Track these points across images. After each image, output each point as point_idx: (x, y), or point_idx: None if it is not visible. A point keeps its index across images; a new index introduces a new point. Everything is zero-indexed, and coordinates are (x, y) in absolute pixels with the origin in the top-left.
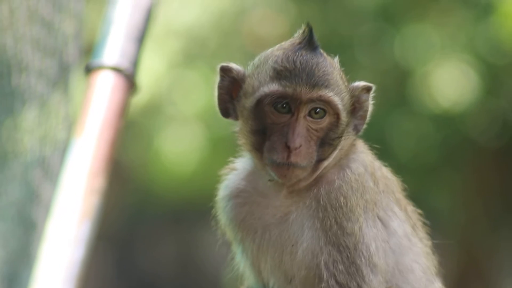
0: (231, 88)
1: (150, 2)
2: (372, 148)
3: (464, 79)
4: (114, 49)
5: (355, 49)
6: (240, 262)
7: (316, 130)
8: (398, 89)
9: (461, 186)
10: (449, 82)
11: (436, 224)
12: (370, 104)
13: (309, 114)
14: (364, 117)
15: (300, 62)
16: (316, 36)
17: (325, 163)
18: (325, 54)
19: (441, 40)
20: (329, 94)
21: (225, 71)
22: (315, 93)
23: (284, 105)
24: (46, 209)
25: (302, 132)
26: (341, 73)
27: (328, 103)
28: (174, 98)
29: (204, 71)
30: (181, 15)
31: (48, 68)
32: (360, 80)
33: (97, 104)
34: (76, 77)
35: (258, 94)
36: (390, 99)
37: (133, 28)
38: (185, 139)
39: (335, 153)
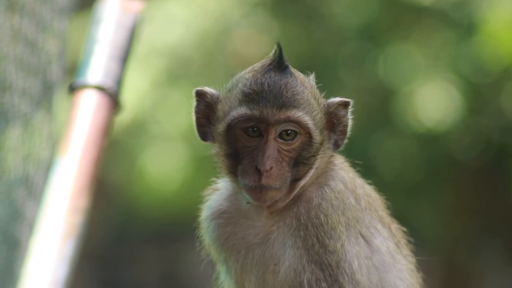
0: (207, 112)
1: (133, 22)
2: (354, 166)
3: (447, 98)
4: (98, 68)
5: (338, 69)
6: (225, 281)
7: (288, 151)
8: (382, 108)
9: (444, 204)
10: (433, 102)
11: (420, 242)
12: (349, 119)
13: (280, 136)
14: (344, 132)
15: (268, 84)
16: (285, 56)
17: (302, 182)
18: (296, 74)
19: (425, 60)
20: (297, 114)
21: (200, 95)
22: (282, 114)
23: (255, 129)
24: (30, 227)
25: (273, 154)
26: (314, 91)
27: (298, 123)
28: (158, 117)
29: (187, 90)
30: (164, 35)
31: (32, 87)
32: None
33: (81, 123)
34: (60, 96)
35: (228, 118)
36: (374, 118)
37: (117, 47)
38: (169, 158)
39: (311, 172)
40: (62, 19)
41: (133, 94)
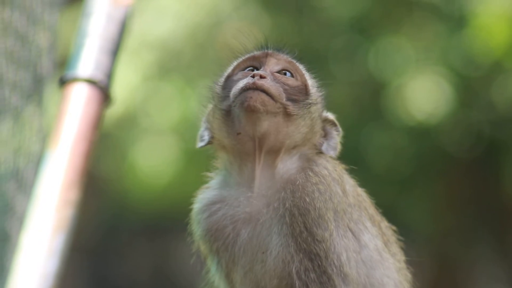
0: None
1: (124, 15)
2: (346, 163)
3: (438, 91)
4: (89, 61)
5: (329, 62)
6: (215, 275)
7: (283, 83)
8: (373, 101)
9: (435, 197)
10: (423, 95)
11: (410, 236)
12: (338, 142)
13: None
14: (335, 148)
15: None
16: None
17: (294, 122)
18: None
19: (415, 53)
20: (295, 61)
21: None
22: (281, 56)
23: (253, 70)
24: (20, 221)
25: (268, 71)
26: None
27: (294, 66)
28: (149, 110)
29: (178, 83)
30: (155, 28)
31: (22, 80)
32: (335, 92)
33: (71, 116)
34: (50, 89)
35: (225, 73)
36: (365, 111)
37: (108, 40)
38: (159, 151)
39: (303, 122)
40: (52, 12)
41: (123, 87)
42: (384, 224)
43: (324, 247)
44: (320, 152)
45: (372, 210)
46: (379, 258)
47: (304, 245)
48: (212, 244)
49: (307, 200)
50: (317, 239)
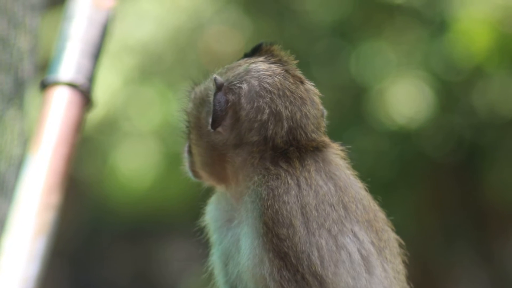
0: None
1: (106, 18)
2: None
3: (419, 95)
4: (70, 64)
5: (311, 66)
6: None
7: None
8: (354, 105)
9: (417, 202)
10: (405, 99)
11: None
12: None
13: None
14: None
15: None
16: None
17: None
18: None
19: (397, 57)
20: None
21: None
22: None
23: None
24: (1, 225)
25: None
26: None
27: None
28: (130, 114)
29: (160, 87)
30: (136, 31)
31: (3, 84)
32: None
33: (53, 120)
34: (32, 93)
35: None
36: (346, 115)
37: (89, 43)
38: (140, 155)
39: None
40: (34, 15)
41: (105, 90)
42: (388, 234)
43: (291, 244)
44: None
45: (369, 216)
46: (363, 263)
47: (271, 244)
48: (212, 234)
49: (270, 194)
50: (281, 238)
